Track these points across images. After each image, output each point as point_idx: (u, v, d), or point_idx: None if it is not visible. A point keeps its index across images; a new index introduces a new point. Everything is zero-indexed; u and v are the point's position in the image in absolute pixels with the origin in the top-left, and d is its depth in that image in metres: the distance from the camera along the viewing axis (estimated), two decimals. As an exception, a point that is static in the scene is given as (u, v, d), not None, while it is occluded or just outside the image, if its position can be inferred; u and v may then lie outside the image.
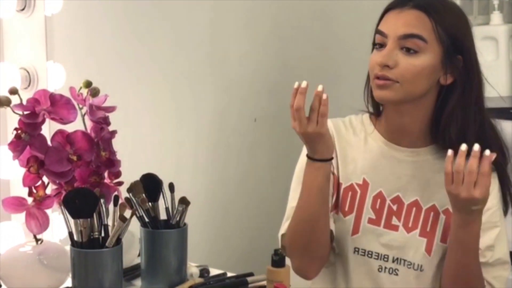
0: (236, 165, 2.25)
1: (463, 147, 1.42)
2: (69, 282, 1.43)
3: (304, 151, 1.68)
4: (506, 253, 1.60)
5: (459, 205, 1.48)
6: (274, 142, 2.34)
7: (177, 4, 1.98)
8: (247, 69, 2.24)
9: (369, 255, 1.63)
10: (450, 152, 1.44)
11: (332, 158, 1.56)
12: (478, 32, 3.13)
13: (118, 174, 1.55)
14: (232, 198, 2.23)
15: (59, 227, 1.60)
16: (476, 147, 1.41)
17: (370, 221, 1.63)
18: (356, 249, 1.64)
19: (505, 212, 1.65)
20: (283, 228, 1.66)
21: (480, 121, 1.59)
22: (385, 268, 1.62)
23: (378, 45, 1.57)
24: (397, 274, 1.62)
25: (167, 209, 1.52)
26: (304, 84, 1.48)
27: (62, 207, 1.36)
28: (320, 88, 1.50)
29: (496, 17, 3.19)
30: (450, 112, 1.57)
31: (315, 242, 1.59)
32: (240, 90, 2.23)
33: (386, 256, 1.62)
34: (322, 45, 2.41)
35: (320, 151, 1.53)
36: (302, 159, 1.68)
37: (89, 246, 1.36)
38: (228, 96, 2.20)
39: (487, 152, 1.41)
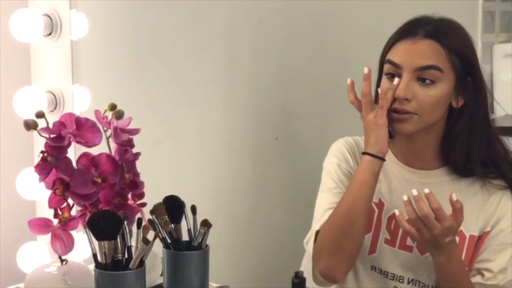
0: (257, 185, 2.26)
1: (414, 192, 1.45)
2: (93, 302, 1.46)
3: (330, 153, 1.71)
4: None
5: (433, 246, 1.50)
6: (294, 161, 2.36)
7: (197, 25, 2.02)
8: (270, 89, 2.26)
9: (385, 275, 1.65)
10: (406, 197, 1.47)
11: (382, 159, 1.58)
12: (500, 50, 3.18)
13: (141, 195, 1.57)
14: (253, 218, 2.24)
15: (83, 246, 1.63)
16: (415, 192, 1.45)
17: (386, 241, 1.64)
18: (373, 267, 1.66)
19: None
20: (317, 225, 1.66)
21: (487, 140, 1.61)
22: None
23: (390, 74, 1.59)
24: None
25: (189, 230, 1.54)
26: (366, 70, 1.56)
27: (87, 229, 1.40)
28: (366, 70, 1.56)
29: (517, 35, 3.23)
30: (456, 133, 1.59)
31: (351, 238, 1.59)
32: (262, 110, 2.25)
33: (401, 277, 1.64)
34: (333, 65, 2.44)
35: (371, 144, 1.57)
36: (327, 161, 1.72)
37: (113, 267, 1.38)
38: (250, 115, 2.22)
39: (426, 190, 1.45)
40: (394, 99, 1.55)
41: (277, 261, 2.14)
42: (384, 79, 1.60)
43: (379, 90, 1.60)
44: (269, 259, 2.24)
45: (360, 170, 1.59)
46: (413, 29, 1.60)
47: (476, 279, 1.61)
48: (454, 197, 1.45)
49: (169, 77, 1.97)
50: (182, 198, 1.56)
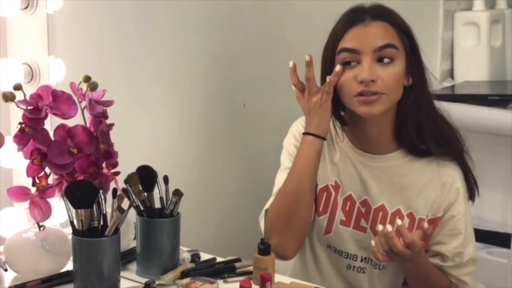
0: (225, 151, 2.33)
1: (389, 228, 1.53)
2: (70, 265, 1.52)
3: (290, 133, 1.78)
4: (474, 251, 1.72)
5: (403, 261, 1.61)
6: (261, 128, 2.42)
7: (171, 3, 2.06)
8: (234, 58, 2.31)
9: (340, 253, 1.74)
10: (380, 227, 1.55)
11: (324, 138, 1.64)
12: (461, 18, 3.26)
13: (115, 165, 1.63)
14: (221, 184, 2.31)
15: (59, 211, 1.70)
16: (389, 228, 1.53)
17: (341, 222, 1.72)
18: (329, 246, 1.75)
19: (473, 198, 1.76)
20: (268, 203, 1.73)
21: (433, 117, 1.69)
22: (354, 266, 1.73)
23: (347, 63, 1.62)
24: (364, 272, 1.74)
25: (161, 198, 1.62)
26: (307, 58, 1.61)
27: (64, 198, 1.46)
28: (307, 58, 1.61)
29: (478, 3, 3.29)
30: (406, 111, 1.66)
31: (298, 216, 1.66)
32: (230, 77, 2.30)
33: (355, 256, 1.73)
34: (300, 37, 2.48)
35: (314, 125, 1.63)
36: (287, 141, 1.79)
37: (89, 234, 1.45)
38: (218, 83, 2.27)
39: (398, 222, 1.54)
40: (360, 83, 1.58)
41: (246, 227, 2.20)
42: (340, 69, 1.61)
43: (327, 78, 1.62)
44: (238, 226, 2.31)
45: (303, 150, 1.64)
46: (359, 15, 1.64)
47: (435, 260, 1.71)
48: (426, 225, 1.53)
49: (141, 48, 2.01)
50: (154, 166, 1.62)
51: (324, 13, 2.44)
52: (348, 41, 1.62)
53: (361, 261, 1.72)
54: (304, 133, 1.66)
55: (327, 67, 1.66)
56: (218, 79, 2.27)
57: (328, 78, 1.61)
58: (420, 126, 1.67)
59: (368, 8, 1.66)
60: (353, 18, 1.64)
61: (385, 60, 1.60)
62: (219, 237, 2.25)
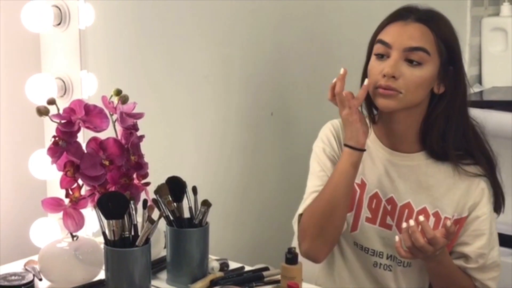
0: (252, 161, 2.36)
1: (411, 222, 1.56)
2: (102, 275, 1.56)
3: (318, 137, 1.82)
4: (498, 255, 1.74)
5: (424, 258, 1.63)
6: (289, 137, 2.45)
7: (195, 10, 2.10)
8: (262, 67, 2.34)
9: (366, 251, 1.77)
10: (404, 225, 1.58)
11: (359, 149, 1.67)
12: (488, 23, 3.27)
13: (146, 175, 1.67)
14: (252, 196, 2.35)
15: (92, 221, 1.74)
16: (411, 222, 1.55)
17: (367, 219, 1.75)
18: (355, 244, 1.78)
19: (498, 211, 1.78)
20: (301, 208, 1.76)
21: (463, 129, 1.71)
22: (380, 264, 1.76)
23: (379, 55, 1.69)
24: (390, 270, 1.76)
25: (190, 208, 1.65)
26: (342, 71, 1.66)
27: (97, 209, 1.51)
28: (341, 71, 1.65)
29: (506, 8, 3.30)
30: (434, 118, 1.69)
31: (332, 224, 1.69)
32: (257, 86, 2.34)
33: (381, 253, 1.75)
34: (327, 45, 2.51)
35: (348, 137, 1.67)
36: (316, 145, 1.82)
37: (121, 244, 1.49)
38: (245, 91, 2.30)
39: (421, 218, 1.56)
40: (383, 76, 1.64)
41: (274, 237, 2.24)
42: (373, 59, 1.69)
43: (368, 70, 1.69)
44: (266, 234, 2.34)
45: (341, 160, 1.69)
46: (405, 13, 1.69)
47: (459, 262, 1.73)
48: (449, 223, 1.56)
49: (169, 61, 2.05)
50: (184, 177, 1.65)
51: (353, 24, 2.49)
52: (385, 34, 1.68)
53: (387, 258, 1.75)
54: (344, 144, 1.70)
55: (368, 56, 1.73)
56: (246, 89, 2.31)
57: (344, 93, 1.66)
58: (445, 136, 1.69)
59: (416, 9, 1.70)
60: (398, 14, 1.70)
61: (414, 62, 1.64)
62: (248, 246, 2.29)
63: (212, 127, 2.21)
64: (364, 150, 1.68)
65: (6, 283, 1.56)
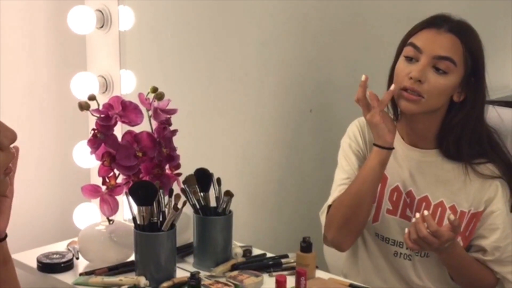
0: (290, 155, 2.46)
1: (417, 215, 1.62)
2: (134, 256, 1.70)
3: (346, 134, 1.92)
4: None
5: (434, 251, 1.69)
6: (327, 133, 2.53)
7: (232, 10, 2.20)
8: (302, 65, 2.44)
9: (387, 241, 1.85)
10: (414, 219, 1.64)
11: (386, 148, 1.74)
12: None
13: (178, 166, 1.80)
14: (281, 188, 2.45)
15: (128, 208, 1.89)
16: (417, 215, 1.62)
17: (388, 211, 1.84)
18: (377, 234, 1.87)
19: None
20: (330, 200, 1.85)
21: (479, 137, 1.78)
22: (400, 253, 1.84)
23: (408, 58, 1.75)
24: (410, 260, 1.84)
25: (217, 198, 1.79)
26: (363, 77, 1.73)
27: (128, 197, 1.65)
28: (363, 78, 1.73)
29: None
30: (452, 125, 1.76)
31: (357, 216, 1.78)
32: (296, 83, 2.43)
33: (401, 243, 1.83)
34: (363, 46, 2.59)
35: (375, 137, 1.75)
36: (343, 140, 1.92)
37: (149, 229, 1.64)
38: (284, 88, 2.39)
39: (425, 212, 1.62)
40: (409, 78, 1.70)
41: (299, 226, 2.34)
42: (401, 60, 1.75)
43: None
44: (293, 224, 2.45)
45: (370, 158, 1.77)
46: (439, 21, 1.74)
47: (478, 255, 1.80)
48: (452, 217, 1.61)
49: (204, 58, 2.16)
50: (217, 170, 1.78)
51: (392, 24, 2.55)
52: (417, 39, 1.74)
53: (407, 248, 1.81)
54: (373, 144, 1.78)
55: (396, 56, 1.79)
56: (285, 86, 2.40)
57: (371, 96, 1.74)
58: (460, 141, 1.77)
59: (450, 19, 1.76)
60: (433, 21, 1.75)
61: (440, 71, 1.71)
62: (273, 235, 2.39)
63: (251, 123, 2.32)
64: (392, 148, 1.76)
65: (48, 261, 1.74)
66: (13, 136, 1.04)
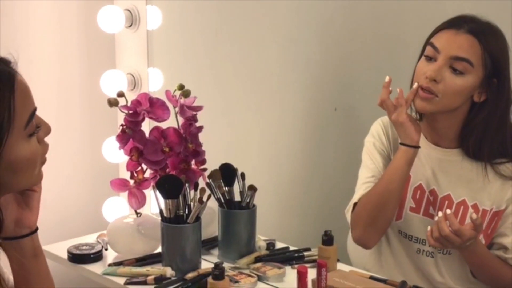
0: (314, 154, 2.49)
1: (440, 214, 1.64)
2: (160, 248, 1.75)
3: (369, 133, 1.95)
4: None
5: (456, 248, 1.71)
6: (352, 132, 2.52)
7: (258, 11, 2.25)
8: (327, 65, 2.47)
9: (410, 238, 1.88)
10: (436, 218, 1.66)
11: (414, 147, 1.76)
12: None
13: (203, 162, 1.85)
14: (308, 186, 2.48)
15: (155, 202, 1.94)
16: (440, 214, 1.64)
17: (411, 209, 1.87)
18: (400, 232, 1.89)
19: None
20: (355, 198, 1.87)
21: (502, 138, 1.78)
22: (423, 250, 1.86)
23: (428, 57, 1.78)
24: (432, 257, 1.86)
25: (241, 193, 1.83)
26: (387, 78, 1.77)
27: (155, 190, 1.71)
28: (386, 79, 1.77)
29: None
30: (474, 125, 1.77)
31: (383, 215, 1.80)
32: (321, 82, 2.45)
33: (424, 240, 1.85)
34: (388, 46, 2.61)
35: (402, 137, 1.77)
36: (367, 139, 1.95)
37: (175, 221, 1.69)
38: (309, 86, 2.42)
39: (448, 211, 1.64)
40: (426, 78, 1.71)
41: (322, 222, 2.37)
42: (422, 60, 1.78)
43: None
44: (318, 220, 2.47)
45: (396, 157, 1.79)
46: (459, 22, 1.75)
47: (499, 253, 1.81)
48: (474, 216, 1.63)
49: (231, 57, 2.21)
50: (242, 166, 1.83)
51: (418, 25, 2.56)
52: (436, 39, 1.76)
53: (430, 245, 1.82)
54: (399, 143, 1.81)
55: (420, 56, 1.80)
56: (311, 85, 2.43)
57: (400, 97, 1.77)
58: (482, 143, 1.78)
59: (471, 20, 1.76)
60: (453, 22, 1.76)
61: (457, 71, 1.72)
62: (296, 230, 2.42)
63: (275, 122, 2.36)
64: (419, 147, 1.78)
65: (78, 252, 1.80)
66: (48, 130, 1.12)
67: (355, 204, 1.86)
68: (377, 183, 1.82)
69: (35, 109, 1.10)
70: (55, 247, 1.84)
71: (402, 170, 1.78)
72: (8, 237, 1.16)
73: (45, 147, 1.13)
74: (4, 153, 1.05)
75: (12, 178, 1.08)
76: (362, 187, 1.88)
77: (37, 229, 1.19)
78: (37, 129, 1.10)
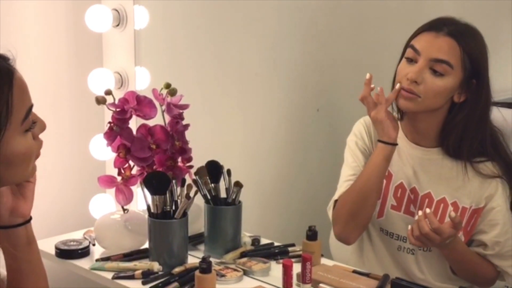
0: (298, 153, 2.53)
1: (420, 212, 1.68)
2: (147, 244, 1.78)
3: (352, 132, 1.99)
4: None
5: (438, 247, 1.76)
6: (334, 132, 2.59)
7: (243, 12, 2.28)
8: (309, 66, 2.51)
9: (391, 236, 1.92)
10: (416, 217, 1.70)
11: (392, 144, 1.80)
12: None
13: (189, 159, 1.87)
14: (291, 183, 2.53)
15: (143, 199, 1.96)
16: (420, 212, 1.68)
17: (392, 207, 1.91)
18: (381, 229, 1.93)
19: None
20: (336, 195, 1.91)
21: (481, 137, 1.82)
22: (404, 248, 1.90)
23: (409, 59, 1.81)
24: (413, 254, 1.90)
25: (227, 189, 1.86)
26: (367, 76, 1.80)
27: (142, 186, 1.73)
28: (367, 76, 1.81)
29: None
30: (454, 124, 1.81)
31: (363, 211, 1.84)
32: (304, 85, 2.50)
33: (404, 238, 1.89)
34: (370, 47, 2.66)
35: (380, 134, 1.82)
36: (349, 138, 1.99)
37: (162, 217, 1.71)
38: (292, 88, 2.46)
39: (427, 210, 1.67)
40: (407, 79, 1.76)
41: (305, 218, 2.40)
42: (403, 61, 1.82)
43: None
44: (302, 217, 2.50)
45: (374, 154, 1.83)
46: (439, 25, 1.79)
47: (479, 249, 1.86)
48: (453, 215, 1.67)
49: (216, 57, 2.24)
50: (227, 164, 1.85)
51: (399, 24, 2.61)
52: (417, 41, 1.80)
53: (411, 243, 1.84)
54: (377, 140, 1.85)
55: (401, 57, 1.85)
56: (293, 86, 2.47)
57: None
58: (462, 142, 1.82)
59: (451, 23, 1.81)
60: (434, 24, 1.80)
61: (437, 72, 1.77)
62: (281, 227, 2.46)
63: (260, 121, 2.40)
64: (396, 144, 1.82)
65: (65, 247, 1.82)
66: (43, 126, 1.15)
67: (336, 201, 1.90)
68: (356, 180, 1.86)
69: (32, 106, 1.13)
70: (43, 243, 1.84)
71: (380, 166, 1.82)
72: (2, 226, 1.19)
73: (39, 143, 1.17)
74: (1, 147, 1.07)
75: (7, 172, 1.11)
76: (343, 185, 1.91)
77: (31, 218, 1.22)
78: (33, 125, 1.13)
